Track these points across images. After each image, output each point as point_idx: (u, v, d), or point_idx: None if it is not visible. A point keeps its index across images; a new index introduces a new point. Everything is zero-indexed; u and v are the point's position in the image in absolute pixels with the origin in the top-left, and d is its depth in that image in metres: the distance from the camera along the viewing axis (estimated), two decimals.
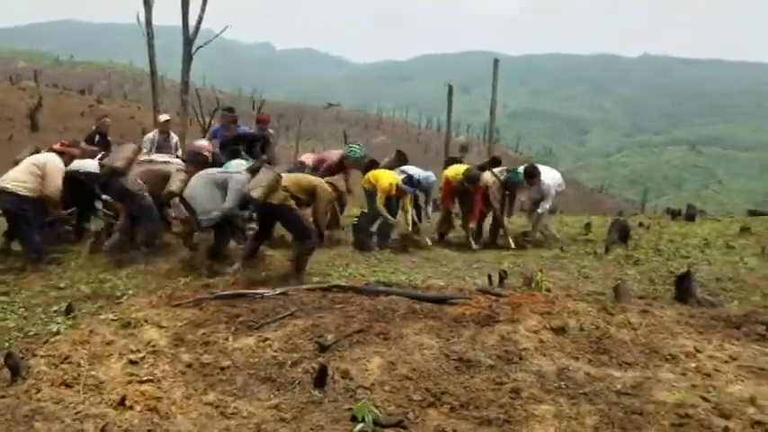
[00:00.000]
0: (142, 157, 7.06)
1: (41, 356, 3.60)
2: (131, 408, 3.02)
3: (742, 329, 4.30)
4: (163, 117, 9.48)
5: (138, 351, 3.70)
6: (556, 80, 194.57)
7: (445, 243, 8.54)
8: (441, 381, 3.39)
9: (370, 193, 8.04)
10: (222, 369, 3.57)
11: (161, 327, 4.15)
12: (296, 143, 32.65)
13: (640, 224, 10.67)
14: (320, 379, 3.34)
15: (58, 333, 4.16)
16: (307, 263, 6.03)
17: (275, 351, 3.80)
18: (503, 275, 5.66)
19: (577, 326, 4.12)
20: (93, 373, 3.38)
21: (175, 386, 3.30)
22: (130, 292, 5.39)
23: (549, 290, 5.36)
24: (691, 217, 12.09)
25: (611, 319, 4.31)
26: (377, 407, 3.04)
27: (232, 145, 8.21)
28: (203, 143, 7.76)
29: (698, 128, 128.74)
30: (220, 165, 6.93)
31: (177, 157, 8.03)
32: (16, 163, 6.64)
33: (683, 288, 5.21)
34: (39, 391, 3.16)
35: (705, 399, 3.14)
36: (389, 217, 7.85)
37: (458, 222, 9.09)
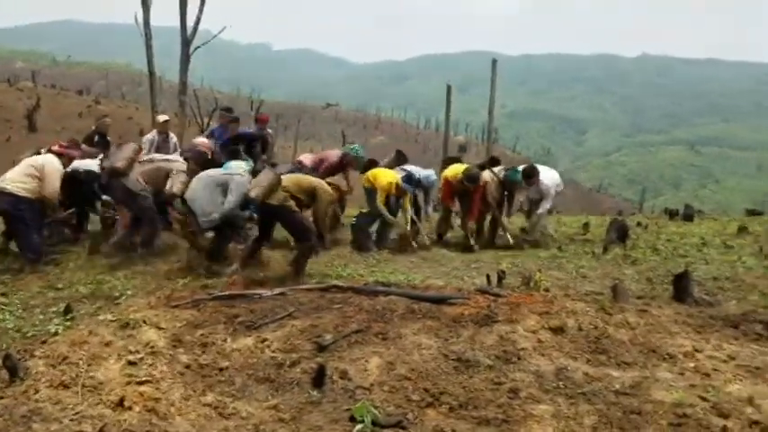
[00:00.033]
0: (143, 157, 7.06)
1: (40, 357, 3.59)
2: (130, 409, 3.01)
3: (740, 329, 4.32)
4: (161, 118, 9.46)
5: (137, 352, 3.69)
6: (555, 80, 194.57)
7: (444, 243, 8.54)
8: (439, 381, 3.40)
9: (370, 192, 8.04)
10: (221, 370, 3.57)
11: (159, 328, 4.15)
12: (294, 143, 32.65)
13: (638, 224, 10.68)
14: (319, 379, 3.35)
15: (56, 334, 4.16)
16: (306, 264, 6.03)
17: (274, 351, 3.80)
18: (501, 275, 5.66)
19: (576, 326, 4.13)
20: (91, 373, 3.37)
21: (174, 387, 3.30)
22: (129, 292, 5.39)
23: (547, 290, 5.37)
24: (689, 216, 12.10)
25: (610, 319, 4.31)
26: (376, 407, 3.04)
27: (232, 145, 8.21)
28: (202, 140, 7.78)
29: (697, 128, 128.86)
30: (220, 164, 6.92)
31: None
32: (17, 164, 6.64)
33: (681, 288, 5.21)
34: (37, 391, 3.15)
35: (703, 398, 3.14)
36: (389, 216, 7.85)
37: (457, 222, 9.09)
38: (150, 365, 3.54)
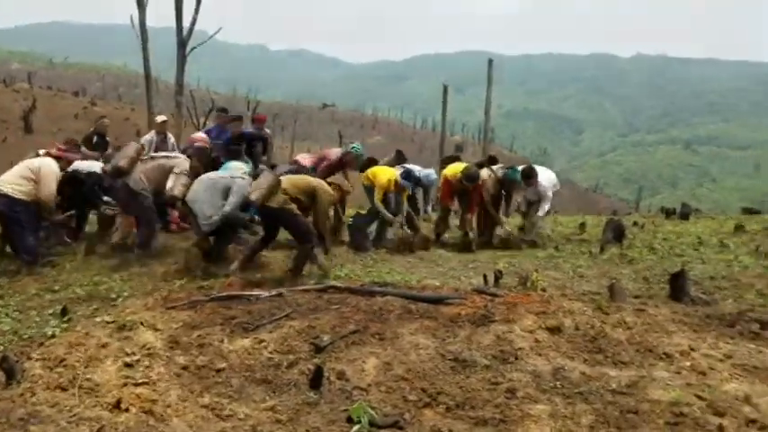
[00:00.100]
0: (144, 156, 7.05)
1: (36, 359, 3.59)
2: (127, 410, 3.01)
3: (736, 328, 4.32)
4: (160, 118, 9.46)
5: (134, 354, 3.68)
6: (553, 80, 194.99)
7: (441, 243, 8.54)
8: (436, 381, 3.40)
9: (370, 190, 8.06)
10: (218, 371, 3.57)
11: (156, 329, 4.14)
12: (291, 144, 32.70)
13: (635, 223, 10.70)
14: (316, 380, 3.34)
15: (53, 336, 4.14)
16: (305, 265, 6.03)
17: (271, 353, 3.80)
18: (498, 275, 5.67)
19: (573, 325, 4.13)
20: (88, 375, 3.37)
21: (171, 388, 3.30)
22: (126, 294, 5.37)
23: (544, 289, 5.37)
24: (685, 216, 12.13)
25: (607, 319, 4.32)
26: (373, 408, 3.04)
27: (233, 144, 8.20)
28: (200, 135, 7.82)
29: (693, 127, 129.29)
30: (220, 164, 6.91)
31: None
32: (14, 166, 6.63)
33: (677, 287, 5.22)
34: (34, 394, 3.15)
35: (700, 397, 3.15)
36: (387, 214, 7.85)
37: (455, 222, 9.10)
38: (147, 367, 3.53)
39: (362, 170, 8.38)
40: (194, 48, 12.85)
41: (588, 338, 3.96)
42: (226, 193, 6.07)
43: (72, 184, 6.93)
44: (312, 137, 48.63)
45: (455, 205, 8.88)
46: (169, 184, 6.45)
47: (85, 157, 7.72)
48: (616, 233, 8.39)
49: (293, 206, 6.10)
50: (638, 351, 3.81)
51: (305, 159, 8.62)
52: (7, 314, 4.89)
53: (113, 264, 6.38)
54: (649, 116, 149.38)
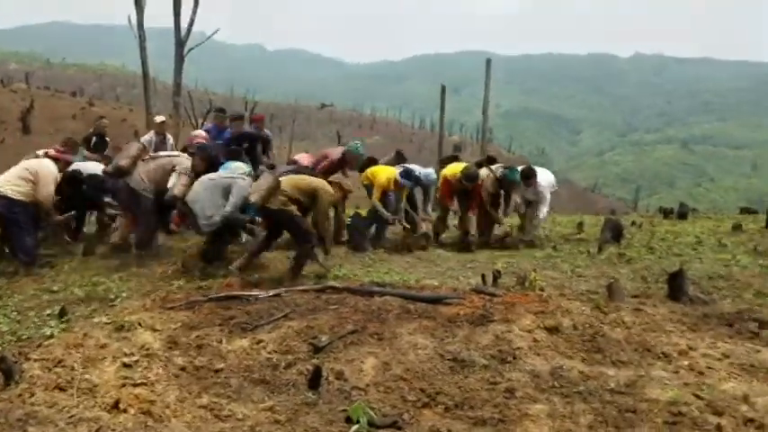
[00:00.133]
0: (145, 156, 7.04)
1: (35, 360, 3.59)
2: (125, 411, 3.01)
3: (734, 327, 4.33)
4: (159, 118, 9.47)
5: (132, 354, 3.68)
6: (551, 80, 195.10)
7: (440, 243, 8.54)
8: (435, 381, 3.40)
9: (370, 189, 8.07)
10: (216, 371, 3.57)
11: (155, 330, 4.14)
12: (289, 144, 32.68)
13: (633, 223, 10.71)
14: (314, 380, 3.35)
15: (51, 337, 4.14)
16: (304, 266, 6.03)
17: (269, 353, 3.80)
18: (496, 275, 5.67)
19: (571, 325, 4.14)
20: (86, 376, 3.37)
21: (169, 389, 3.30)
22: (124, 294, 5.36)
23: (542, 289, 5.37)
24: (683, 215, 12.15)
25: (605, 318, 4.32)
26: (371, 408, 3.04)
27: (234, 144, 8.19)
28: (200, 132, 7.84)
29: (691, 126, 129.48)
30: (219, 164, 6.89)
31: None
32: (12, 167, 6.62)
33: (675, 286, 5.22)
34: (32, 395, 3.14)
35: (698, 396, 3.16)
36: (386, 213, 7.84)
37: (454, 223, 9.10)
38: (145, 368, 3.53)
39: (362, 170, 8.38)
40: (192, 48, 12.85)
41: (586, 338, 3.97)
42: (226, 193, 6.06)
43: (71, 185, 6.92)
44: (310, 137, 48.65)
45: (454, 205, 8.88)
46: (170, 183, 6.45)
47: (86, 159, 7.71)
48: (614, 233, 8.39)
49: (293, 207, 6.09)
50: (636, 350, 3.82)
51: (304, 159, 8.60)
52: (5, 315, 4.88)
53: (112, 264, 6.37)
54: (648, 116, 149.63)
